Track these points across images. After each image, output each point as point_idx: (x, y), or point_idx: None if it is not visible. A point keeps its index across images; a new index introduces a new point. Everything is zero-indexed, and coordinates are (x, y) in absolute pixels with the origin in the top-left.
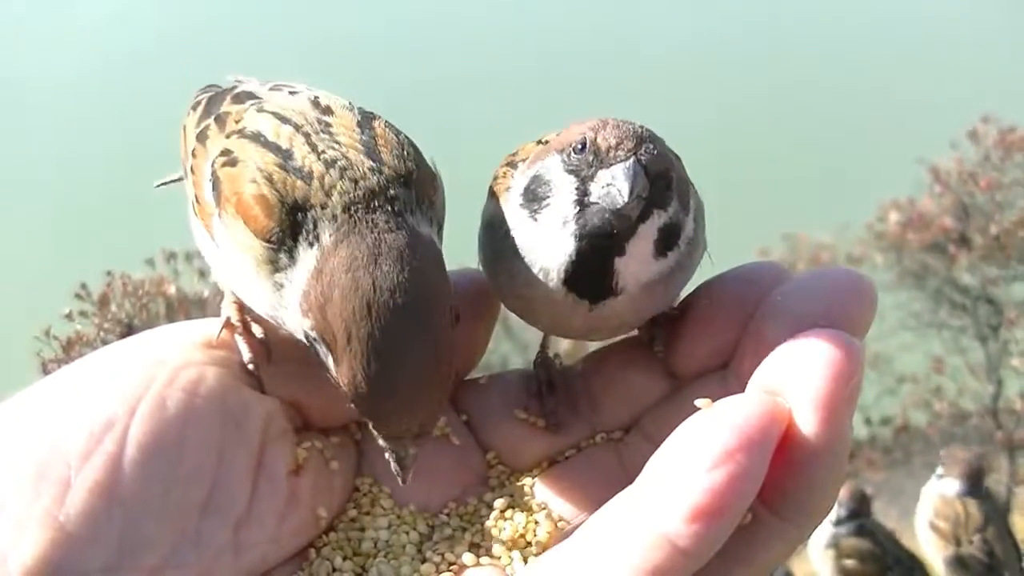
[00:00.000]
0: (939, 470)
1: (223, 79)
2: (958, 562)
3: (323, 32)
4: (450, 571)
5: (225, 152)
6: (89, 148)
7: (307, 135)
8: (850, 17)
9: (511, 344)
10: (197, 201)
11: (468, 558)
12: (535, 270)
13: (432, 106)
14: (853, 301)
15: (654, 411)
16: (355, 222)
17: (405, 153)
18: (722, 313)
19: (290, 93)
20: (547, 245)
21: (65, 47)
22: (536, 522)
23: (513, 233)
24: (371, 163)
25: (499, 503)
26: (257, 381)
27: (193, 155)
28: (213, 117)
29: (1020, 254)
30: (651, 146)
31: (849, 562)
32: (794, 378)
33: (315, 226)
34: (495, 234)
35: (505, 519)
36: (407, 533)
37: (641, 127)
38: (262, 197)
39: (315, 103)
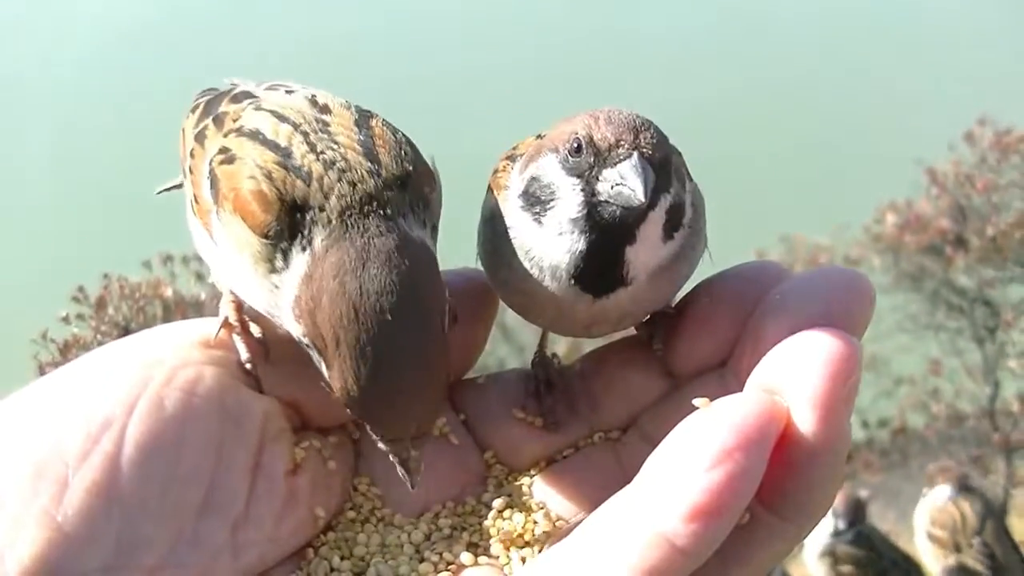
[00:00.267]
0: (924, 490)
1: (220, 82)
2: (960, 571)
3: (322, 29)
4: (448, 571)
5: (223, 150)
6: (86, 151)
7: (305, 134)
8: (848, 18)
9: (509, 347)
10: (195, 200)
11: (466, 557)
12: (541, 268)
13: (431, 103)
14: (852, 300)
15: (652, 410)
16: (347, 227)
17: (403, 153)
18: (721, 311)
19: (287, 92)
20: (555, 246)
21: (64, 47)
22: (534, 521)
23: (515, 233)
24: (370, 165)
25: (497, 503)
26: (255, 381)
27: (191, 156)
28: (211, 118)
29: (1017, 256)
30: (648, 134)
31: (845, 568)
32: (792, 377)
33: (310, 229)
34: (495, 231)
35: (503, 518)
36: (405, 533)
37: (633, 115)
38: (260, 193)
39: (312, 102)
